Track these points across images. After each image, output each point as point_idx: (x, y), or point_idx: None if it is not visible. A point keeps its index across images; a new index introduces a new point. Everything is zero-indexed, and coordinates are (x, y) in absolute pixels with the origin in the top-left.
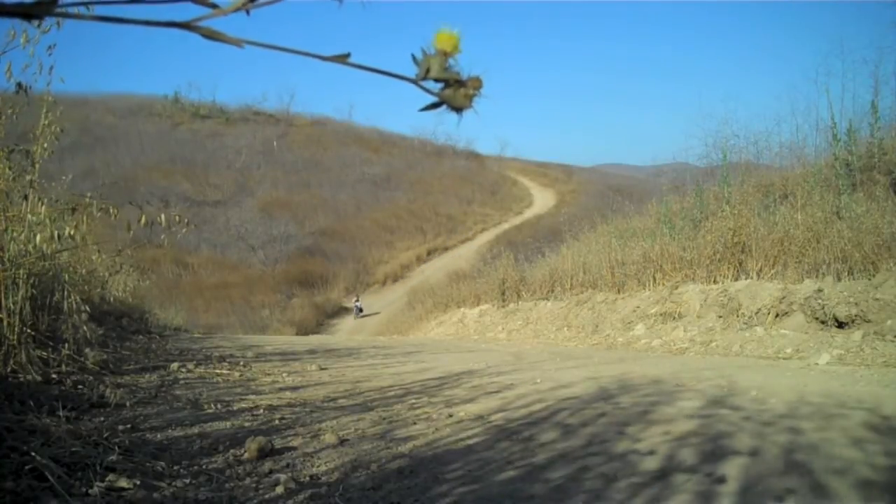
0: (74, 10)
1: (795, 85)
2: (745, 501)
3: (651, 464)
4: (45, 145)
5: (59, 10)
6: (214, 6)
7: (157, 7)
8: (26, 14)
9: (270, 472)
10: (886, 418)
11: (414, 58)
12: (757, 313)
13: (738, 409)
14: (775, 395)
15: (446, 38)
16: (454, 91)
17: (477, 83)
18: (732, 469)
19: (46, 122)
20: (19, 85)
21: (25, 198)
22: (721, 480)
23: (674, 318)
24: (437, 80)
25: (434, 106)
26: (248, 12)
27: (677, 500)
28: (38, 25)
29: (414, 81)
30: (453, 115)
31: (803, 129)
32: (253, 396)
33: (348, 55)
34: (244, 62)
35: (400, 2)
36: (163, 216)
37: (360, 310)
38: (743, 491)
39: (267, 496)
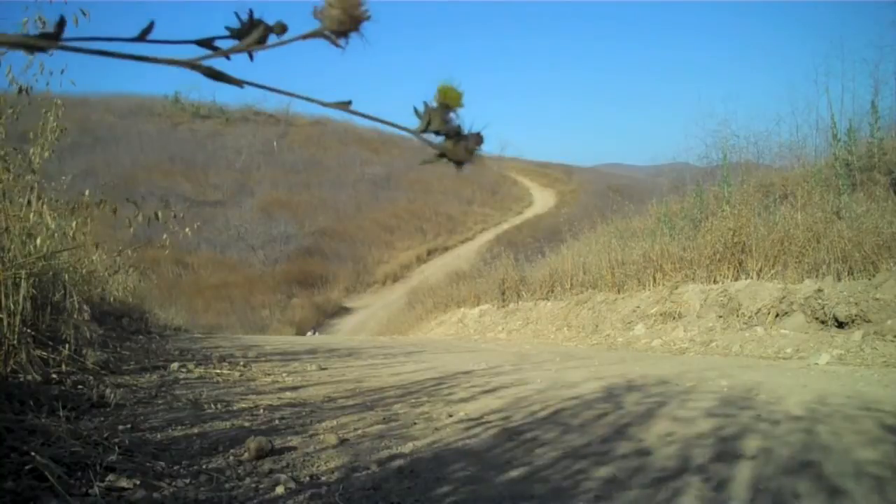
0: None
1: (795, 85)
2: (755, 502)
3: (654, 464)
4: (46, 146)
5: (62, 43)
6: (216, 49)
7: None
8: (31, 46)
9: (270, 472)
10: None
11: (416, 110)
12: (757, 313)
13: (742, 408)
14: (778, 394)
15: (448, 92)
16: (455, 144)
17: (478, 139)
18: (739, 470)
19: (50, 124)
20: (25, 90)
21: (28, 203)
22: (727, 481)
23: (674, 318)
24: (437, 134)
25: (435, 158)
26: (251, 57)
27: (681, 501)
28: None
29: (415, 133)
30: (453, 167)
31: (803, 129)
32: (253, 396)
33: (349, 103)
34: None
35: (403, 1)
36: (160, 214)
37: None
38: (751, 492)
39: (267, 496)
